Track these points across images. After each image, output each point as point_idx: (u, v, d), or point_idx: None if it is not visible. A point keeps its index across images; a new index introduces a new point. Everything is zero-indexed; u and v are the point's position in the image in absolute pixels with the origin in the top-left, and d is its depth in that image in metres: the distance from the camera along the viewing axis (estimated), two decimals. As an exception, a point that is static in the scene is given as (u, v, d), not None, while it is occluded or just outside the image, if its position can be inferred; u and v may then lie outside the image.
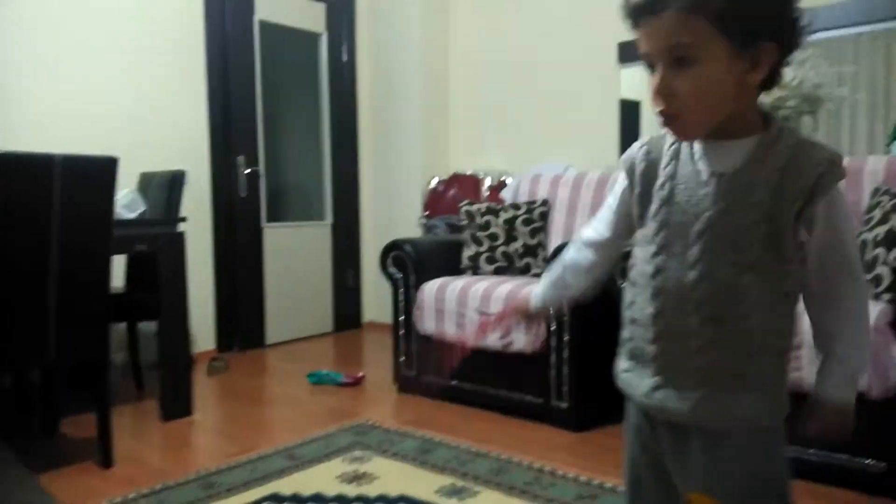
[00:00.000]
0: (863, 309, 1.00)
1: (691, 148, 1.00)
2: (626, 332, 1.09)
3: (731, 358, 0.97)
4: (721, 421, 0.98)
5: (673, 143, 1.03)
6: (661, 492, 1.08)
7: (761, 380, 0.98)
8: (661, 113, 0.94)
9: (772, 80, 0.95)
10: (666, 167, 1.02)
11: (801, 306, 1.00)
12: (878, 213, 2.26)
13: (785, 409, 1.00)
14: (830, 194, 0.92)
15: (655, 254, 1.01)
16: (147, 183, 3.52)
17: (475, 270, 3.32)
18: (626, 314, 1.08)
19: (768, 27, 0.90)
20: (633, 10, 0.93)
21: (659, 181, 1.02)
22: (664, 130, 0.98)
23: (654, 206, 1.02)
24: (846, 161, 2.59)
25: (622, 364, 1.10)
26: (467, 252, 3.35)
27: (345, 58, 4.86)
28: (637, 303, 1.04)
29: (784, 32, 0.92)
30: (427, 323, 3.09)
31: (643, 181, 1.05)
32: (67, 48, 3.52)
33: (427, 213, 4.48)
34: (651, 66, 0.93)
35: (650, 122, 3.91)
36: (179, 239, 2.91)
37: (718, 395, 0.97)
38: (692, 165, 0.99)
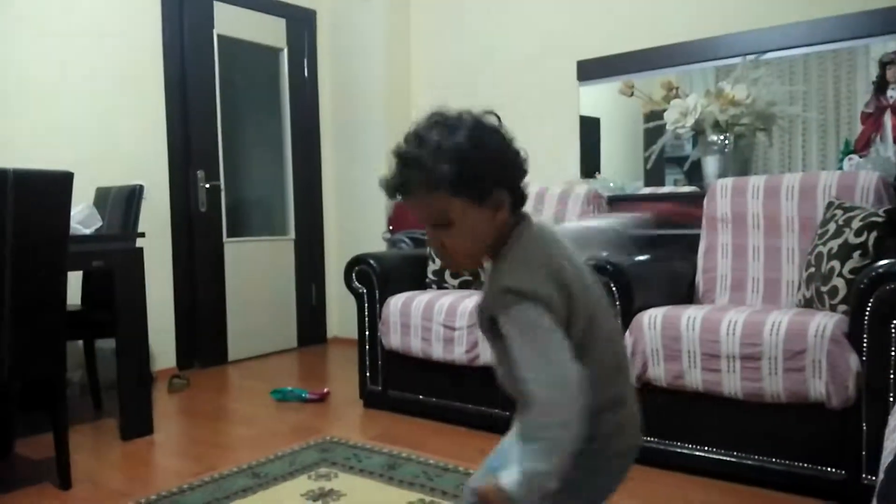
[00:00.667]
0: (539, 422, 1.04)
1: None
2: None
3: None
4: None
5: None
6: None
7: None
8: (440, 257, 1.20)
9: (519, 202, 1.17)
10: None
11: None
12: (832, 227, 2.33)
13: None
14: (504, 313, 1.09)
15: None
16: (103, 198, 3.44)
17: (440, 285, 3.32)
18: None
19: (493, 181, 1.12)
20: (388, 191, 1.14)
21: None
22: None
23: None
24: (798, 177, 2.68)
25: None
26: (432, 266, 3.36)
27: (306, 73, 4.84)
28: None
29: (507, 178, 1.14)
30: (392, 337, 3.08)
31: None
32: (22, 62, 3.44)
33: (391, 227, 4.47)
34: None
35: (610, 139, 3.99)
36: (137, 254, 2.86)
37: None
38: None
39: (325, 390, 3.45)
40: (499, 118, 1.18)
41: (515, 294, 1.07)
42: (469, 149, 1.10)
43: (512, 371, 1.09)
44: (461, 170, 1.09)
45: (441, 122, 1.12)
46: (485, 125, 1.14)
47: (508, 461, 1.07)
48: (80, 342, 3.35)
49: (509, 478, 1.02)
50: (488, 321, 1.14)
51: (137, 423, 2.86)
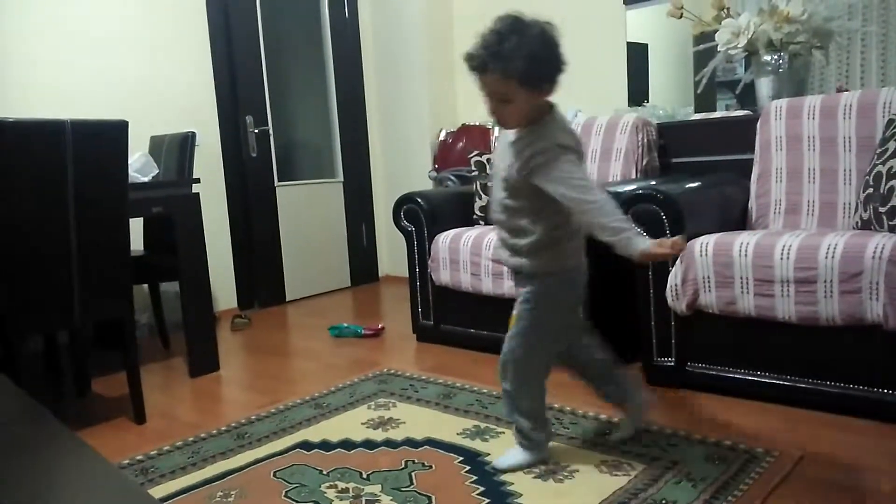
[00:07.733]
0: (601, 199, 1.65)
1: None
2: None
3: (520, 239, 1.78)
4: (527, 269, 1.80)
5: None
6: None
7: (538, 252, 1.77)
8: (497, 121, 1.73)
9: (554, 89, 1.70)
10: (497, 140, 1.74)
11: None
12: (892, 145, 2.25)
13: (564, 265, 1.80)
14: (547, 163, 1.66)
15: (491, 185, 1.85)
16: (158, 146, 3.53)
17: (487, 221, 3.34)
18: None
19: (549, 79, 1.65)
20: (470, 68, 1.64)
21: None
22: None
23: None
24: (857, 95, 2.58)
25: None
26: (478, 203, 3.37)
27: (347, 13, 4.80)
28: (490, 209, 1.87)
29: (556, 77, 1.66)
30: (442, 273, 3.13)
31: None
32: (72, 14, 3.50)
33: (436, 165, 4.48)
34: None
35: (658, 64, 3.88)
36: (195, 200, 2.94)
37: (521, 258, 1.80)
38: (506, 140, 1.78)
39: (380, 326, 3.55)
40: (556, 28, 1.63)
41: (564, 147, 1.66)
42: (538, 52, 1.59)
43: (522, 206, 1.75)
44: (530, 69, 1.58)
45: (517, 25, 1.58)
46: (549, 36, 1.62)
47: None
48: (146, 286, 3.50)
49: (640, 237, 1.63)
50: (527, 169, 1.67)
51: (204, 361, 3.00)
